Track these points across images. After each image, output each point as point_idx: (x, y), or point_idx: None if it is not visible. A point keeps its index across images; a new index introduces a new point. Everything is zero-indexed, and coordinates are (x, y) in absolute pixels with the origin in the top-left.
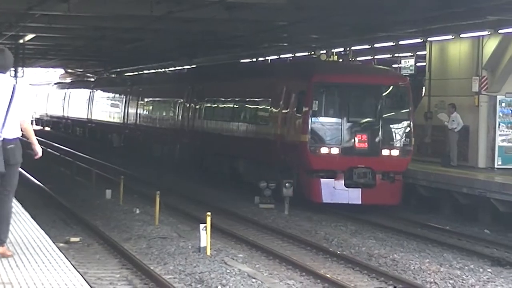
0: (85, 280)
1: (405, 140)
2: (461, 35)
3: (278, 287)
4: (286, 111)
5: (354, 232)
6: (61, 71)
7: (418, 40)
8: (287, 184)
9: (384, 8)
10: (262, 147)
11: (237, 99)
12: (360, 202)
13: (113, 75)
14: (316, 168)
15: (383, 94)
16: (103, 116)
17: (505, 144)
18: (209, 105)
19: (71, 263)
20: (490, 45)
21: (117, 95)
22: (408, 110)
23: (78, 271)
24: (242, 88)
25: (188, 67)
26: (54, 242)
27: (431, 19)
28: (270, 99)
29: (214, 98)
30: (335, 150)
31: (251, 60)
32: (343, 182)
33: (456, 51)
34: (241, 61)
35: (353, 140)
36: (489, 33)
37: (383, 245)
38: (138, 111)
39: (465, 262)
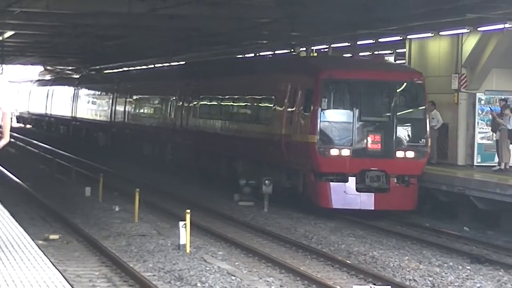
0: (64, 277)
1: (420, 140)
2: (440, 33)
3: (257, 284)
4: (291, 109)
5: (333, 229)
6: (40, 68)
7: (398, 38)
8: (266, 182)
9: (364, 5)
10: (264, 147)
11: (236, 96)
12: (372, 208)
13: (93, 72)
14: (325, 171)
15: (397, 91)
16: (89, 114)
17: (484, 141)
18: (205, 102)
19: (50, 261)
20: (470, 43)
21: (103, 92)
22: (424, 108)
23: (57, 269)
24: (242, 85)
25: (181, 63)
26: (33, 240)
27: (410, 17)
28: (273, 97)
29: (211, 95)
30: (345, 152)
31: (252, 55)
32: (354, 186)
33: (436, 48)
34: (241, 56)
35: (365, 141)
36: (469, 31)
37: (362, 243)
38: (127, 109)
39: (444, 259)
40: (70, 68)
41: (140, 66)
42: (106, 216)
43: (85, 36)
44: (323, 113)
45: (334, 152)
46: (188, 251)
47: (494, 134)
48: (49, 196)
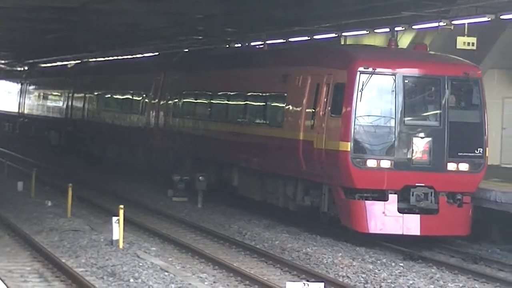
0: None
1: (477, 150)
2: (375, 31)
3: (190, 280)
4: (313, 110)
5: (267, 226)
6: None
7: (333, 35)
8: (200, 178)
9: (298, 2)
10: (272, 155)
11: (232, 93)
12: (418, 233)
13: (27, 66)
14: (360, 187)
15: (449, 88)
16: (39, 110)
17: None
18: (189, 100)
19: None
20: (405, 40)
21: (57, 86)
22: (480, 109)
23: None
24: (242, 80)
25: (157, 53)
26: None
27: (345, 14)
28: (286, 94)
29: (197, 91)
30: (385, 163)
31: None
32: (396, 206)
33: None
34: (239, 45)
35: (409, 150)
36: (404, 28)
37: (296, 239)
38: (87, 106)
39: (377, 256)
40: (3, 62)
41: (79, 60)
42: (39, 211)
43: (21, 30)
44: (359, 114)
45: (371, 163)
46: (121, 246)
47: None
48: None
